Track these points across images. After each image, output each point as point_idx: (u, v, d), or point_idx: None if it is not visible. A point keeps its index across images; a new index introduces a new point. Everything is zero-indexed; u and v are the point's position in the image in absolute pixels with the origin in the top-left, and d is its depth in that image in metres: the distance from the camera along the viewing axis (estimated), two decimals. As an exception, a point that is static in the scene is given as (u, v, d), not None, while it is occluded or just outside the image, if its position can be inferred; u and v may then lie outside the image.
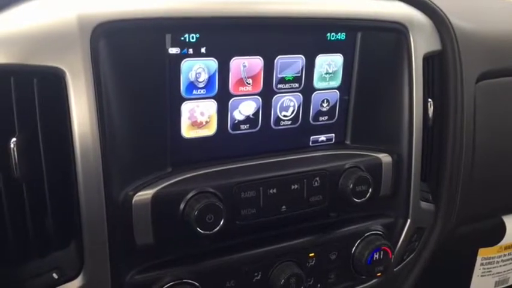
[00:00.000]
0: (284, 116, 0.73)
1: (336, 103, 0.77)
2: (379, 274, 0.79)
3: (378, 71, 0.77)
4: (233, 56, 0.66)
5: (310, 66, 0.73)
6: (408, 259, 0.88)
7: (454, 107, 0.82)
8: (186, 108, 0.66)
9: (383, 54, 0.77)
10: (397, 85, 0.77)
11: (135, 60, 0.60)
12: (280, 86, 0.71)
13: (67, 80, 0.54)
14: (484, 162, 0.88)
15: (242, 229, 0.68)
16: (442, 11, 0.81)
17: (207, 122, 0.68)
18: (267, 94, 0.71)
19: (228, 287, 0.69)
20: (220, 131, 0.69)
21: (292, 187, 0.70)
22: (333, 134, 0.79)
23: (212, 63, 0.65)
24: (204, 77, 0.65)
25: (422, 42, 0.77)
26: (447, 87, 0.82)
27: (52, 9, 0.55)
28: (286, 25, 0.68)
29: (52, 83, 0.54)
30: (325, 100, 0.76)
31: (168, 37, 0.62)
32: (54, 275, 0.58)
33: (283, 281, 0.70)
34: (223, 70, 0.66)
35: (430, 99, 0.80)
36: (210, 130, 0.69)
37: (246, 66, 0.68)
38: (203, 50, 0.64)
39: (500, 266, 1.07)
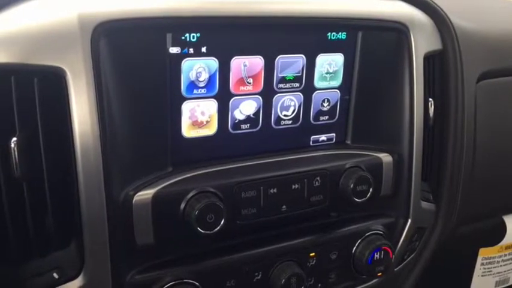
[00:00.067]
0: (285, 115, 0.73)
1: (336, 103, 0.77)
2: (380, 274, 0.79)
3: (379, 71, 0.77)
4: (234, 56, 0.66)
5: (310, 66, 0.73)
6: (409, 259, 0.88)
7: (455, 107, 0.82)
8: (186, 107, 0.66)
9: (384, 54, 0.77)
10: (398, 85, 0.77)
11: (135, 59, 0.60)
12: (280, 85, 0.71)
13: (67, 80, 0.54)
14: (484, 161, 0.88)
15: (242, 229, 0.68)
16: (442, 10, 0.81)
17: (207, 122, 0.68)
18: (267, 94, 0.71)
19: (229, 286, 0.69)
20: (220, 131, 0.69)
21: (293, 187, 0.70)
22: (334, 134, 0.79)
23: (213, 63, 0.65)
24: (204, 76, 0.65)
25: (423, 42, 0.77)
26: (448, 86, 0.82)
27: (52, 8, 0.55)
28: (287, 24, 0.68)
29: (53, 83, 0.54)
30: (326, 100, 0.76)
31: (168, 36, 0.62)
32: (55, 275, 0.58)
33: (283, 280, 0.70)
34: (224, 70, 0.66)
35: (430, 99, 0.80)
36: (211, 130, 0.69)
37: (246, 65, 0.68)
38: (204, 49, 0.64)
39: (501, 265, 1.07)
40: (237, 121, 0.70)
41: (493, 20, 1.00)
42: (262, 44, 0.68)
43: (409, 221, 0.83)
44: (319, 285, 0.77)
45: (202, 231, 0.61)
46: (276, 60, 0.70)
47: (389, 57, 0.77)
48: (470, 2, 1.09)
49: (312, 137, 0.77)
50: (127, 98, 0.60)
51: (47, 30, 0.53)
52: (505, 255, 1.06)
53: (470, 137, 0.85)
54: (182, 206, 0.62)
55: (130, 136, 0.61)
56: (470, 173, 0.87)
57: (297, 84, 0.73)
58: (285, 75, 0.71)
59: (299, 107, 0.74)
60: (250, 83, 0.69)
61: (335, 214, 0.77)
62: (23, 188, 0.56)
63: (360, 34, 0.75)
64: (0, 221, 0.55)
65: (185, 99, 0.65)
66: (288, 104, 0.73)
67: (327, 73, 0.74)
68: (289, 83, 0.72)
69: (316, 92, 0.75)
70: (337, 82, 0.76)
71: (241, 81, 0.68)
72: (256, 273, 0.70)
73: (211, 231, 0.61)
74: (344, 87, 0.77)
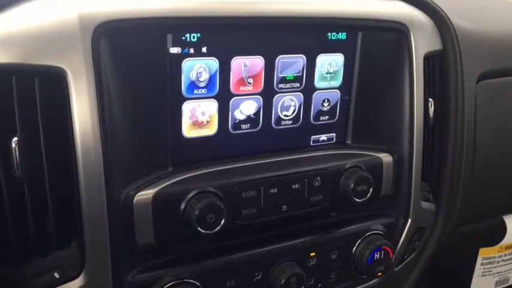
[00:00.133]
0: (285, 115, 0.73)
1: (336, 103, 0.77)
2: (380, 274, 0.79)
3: (379, 71, 0.77)
4: (234, 56, 0.66)
5: (311, 66, 0.73)
6: (409, 259, 0.88)
7: (455, 107, 0.82)
8: (187, 107, 0.66)
9: (384, 54, 0.77)
10: (398, 85, 0.77)
11: (136, 59, 0.60)
12: (281, 85, 0.71)
13: (68, 80, 0.54)
14: (484, 162, 0.88)
15: (243, 229, 0.68)
16: (442, 10, 0.81)
17: (208, 122, 0.68)
18: (267, 94, 0.71)
19: (229, 286, 0.69)
20: (221, 131, 0.69)
21: (293, 187, 0.70)
22: (334, 134, 0.79)
23: (213, 63, 0.65)
24: (205, 76, 0.65)
25: (423, 42, 0.77)
26: (448, 87, 0.82)
27: (53, 8, 0.55)
28: (287, 25, 0.68)
29: (53, 83, 0.54)
30: (326, 100, 0.76)
31: (169, 37, 0.62)
32: (56, 275, 0.58)
33: (283, 280, 0.70)
34: (224, 70, 0.66)
35: (430, 99, 0.80)
36: (211, 130, 0.69)
37: (247, 65, 0.68)
38: (204, 49, 0.64)
39: (501, 265, 1.07)
40: (237, 121, 0.70)
41: (493, 20, 1.00)
42: (262, 44, 0.68)
43: (409, 221, 0.83)
44: (319, 285, 0.77)
45: (203, 231, 0.61)
46: (276, 60, 0.70)
47: (389, 57, 0.77)
48: (470, 2, 1.09)
49: (312, 137, 0.77)
50: (127, 98, 0.60)
51: (48, 30, 0.54)
52: (505, 255, 1.06)
53: (470, 137, 0.85)
54: (182, 206, 0.62)
55: (131, 136, 0.61)
56: (470, 173, 0.87)
57: (297, 84, 0.73)
58: (285, 75, 0.71)
59: (299, 107, 0.74)
60: (250, 83, 0.69)
61: (335, 214, 0.77)
62: (24, 188, 0.56)
63: (360, 34, 0.75)
64: (1, 221, 0.55)
65: (185, 99, 0.65)
66: (288, 104, 0.73)
67: (327, 73, 0.75)
68: (289, 83, 0.72)
69: (317, 92, 0.75)
70: (337, 82, 0.76)
71: (242, 82, 0.68)
72: (257, 273, 0.70)
73: (212, 231, 0.61)
74: (344, 87, 0.77)
